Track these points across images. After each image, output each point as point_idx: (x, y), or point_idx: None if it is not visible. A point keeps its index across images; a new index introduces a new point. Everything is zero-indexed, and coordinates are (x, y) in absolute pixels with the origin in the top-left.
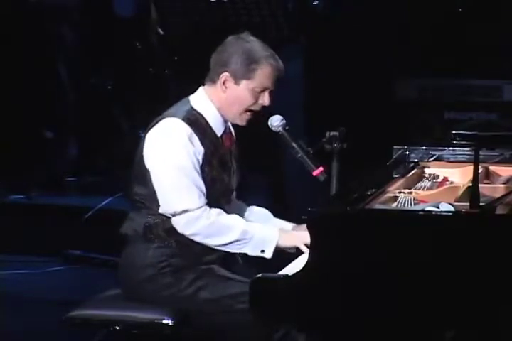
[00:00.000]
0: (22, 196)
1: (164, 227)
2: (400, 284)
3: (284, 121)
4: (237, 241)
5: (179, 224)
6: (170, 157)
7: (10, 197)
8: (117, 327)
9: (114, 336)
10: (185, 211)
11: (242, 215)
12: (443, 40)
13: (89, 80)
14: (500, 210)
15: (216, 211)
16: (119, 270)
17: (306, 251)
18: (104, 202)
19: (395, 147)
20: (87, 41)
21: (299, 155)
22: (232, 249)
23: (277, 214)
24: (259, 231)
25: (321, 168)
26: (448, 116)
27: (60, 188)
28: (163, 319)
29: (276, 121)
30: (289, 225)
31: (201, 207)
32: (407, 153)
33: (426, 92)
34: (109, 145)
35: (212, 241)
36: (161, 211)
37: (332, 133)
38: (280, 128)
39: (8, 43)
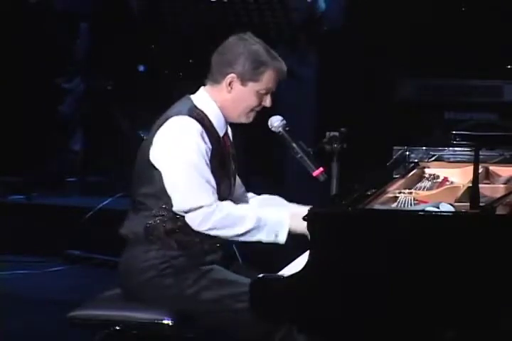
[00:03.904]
0: (22, 196)
1: (165, 228)
2: (400, 284)
3: (285, 122)
4: (253, 229)
5: (195, 221)
6: (182, 154)
7: (10, 197)
8: (117, 327)
9: (114, 336)
10: (201, 207)
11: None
12: (443, 40)
13: (89, 80)
14: (500, 210)
15: (227, 203)
16: (119, 273)
17: None
18: (104, 202)
19: (395, 147)
20: (88, 41)
21: (299, 156)
22: (248, 238)
23: None
24: (272, 216)
25: (321, 169)
26: (448, 117)
27: (61, 188)
28: (163, 319)
29: (276, 122)
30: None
31: (215, 201)
32: (407, 153)
33: (426, 92)
34: (109, 145)
35: (229, 233)
36: (175, 209)
37: (332, 134)
38: (280, 129)
39: (9, 43)
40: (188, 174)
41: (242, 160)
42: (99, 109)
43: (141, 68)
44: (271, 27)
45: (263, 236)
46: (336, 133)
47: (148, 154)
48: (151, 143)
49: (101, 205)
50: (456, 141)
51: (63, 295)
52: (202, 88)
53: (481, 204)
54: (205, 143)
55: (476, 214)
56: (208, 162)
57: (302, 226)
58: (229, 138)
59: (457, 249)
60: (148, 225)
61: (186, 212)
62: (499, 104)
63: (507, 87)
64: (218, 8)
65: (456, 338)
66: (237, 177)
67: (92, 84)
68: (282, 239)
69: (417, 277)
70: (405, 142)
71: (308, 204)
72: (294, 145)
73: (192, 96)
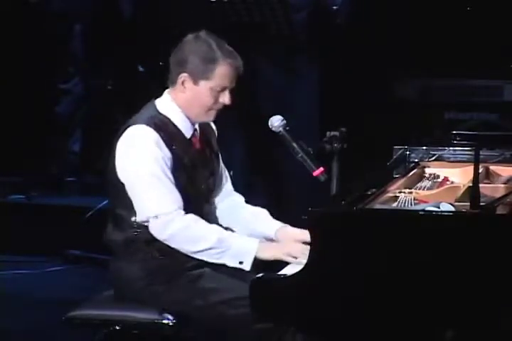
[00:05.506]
0: (22, 196)
1: (145, 239)
2: (400, 284)
3: (285, 122)
4: (212, 248)
5: (154, 228)
6: (139, 165)
7: (10, 197)
8: (117, 327)
9: (114, 336)
10: (160, 214)
11: (231, 214)
12: (443, 40)
13: (89, 80)
14: (500, 210)
15: (193, 217)
16: (109, 279)
17: (292, 260)
18: (104, 203)
19: (395, 147)
20: (88, 41)
21: (300, 156)
22: (209, 258)
23: (277, 214)
24: (237, 242)
25: (321, 168)
26: (448, 116)
27: (60, 188)
28: (163, 319)
29: (276, 122)
30: (276, 226)
31: (176, 210)
32: (408, 153)
33: (426, 92)
34: (109, 145)
35: (187, 247)
36: (138, 220)
37: (332, 134)
38: (280, 129)
39: (9, 44)
40: (147, 183)
41: (242, 160)
42: (99, 109)
43: (141, 68)
44: (271, 26)
45: (226, 260)
46: (336, 133)
47: (114, 165)
48: (114, 153)
49: (101, 205)
50: (456, 140)
51: (63, 295)
52: (166, 91)
53: (481, 204)
54: (162, 151)
55: (476, 214)
56: (167, 170)
57: (270, 254)
58: (203, 139)
59: (457, 249)
60: (127, 238)
61: (148, 222)
62: (499, 104)
63: (507, 87)
64: (218, 8)
65: (456, 338)
66: (225, 174)
67: (91, 84)
68: (247, 266)
69: (417, 277)
70: (406, 142)
71: (308, 204)
72: (295, 145)
73: (156, 101)
